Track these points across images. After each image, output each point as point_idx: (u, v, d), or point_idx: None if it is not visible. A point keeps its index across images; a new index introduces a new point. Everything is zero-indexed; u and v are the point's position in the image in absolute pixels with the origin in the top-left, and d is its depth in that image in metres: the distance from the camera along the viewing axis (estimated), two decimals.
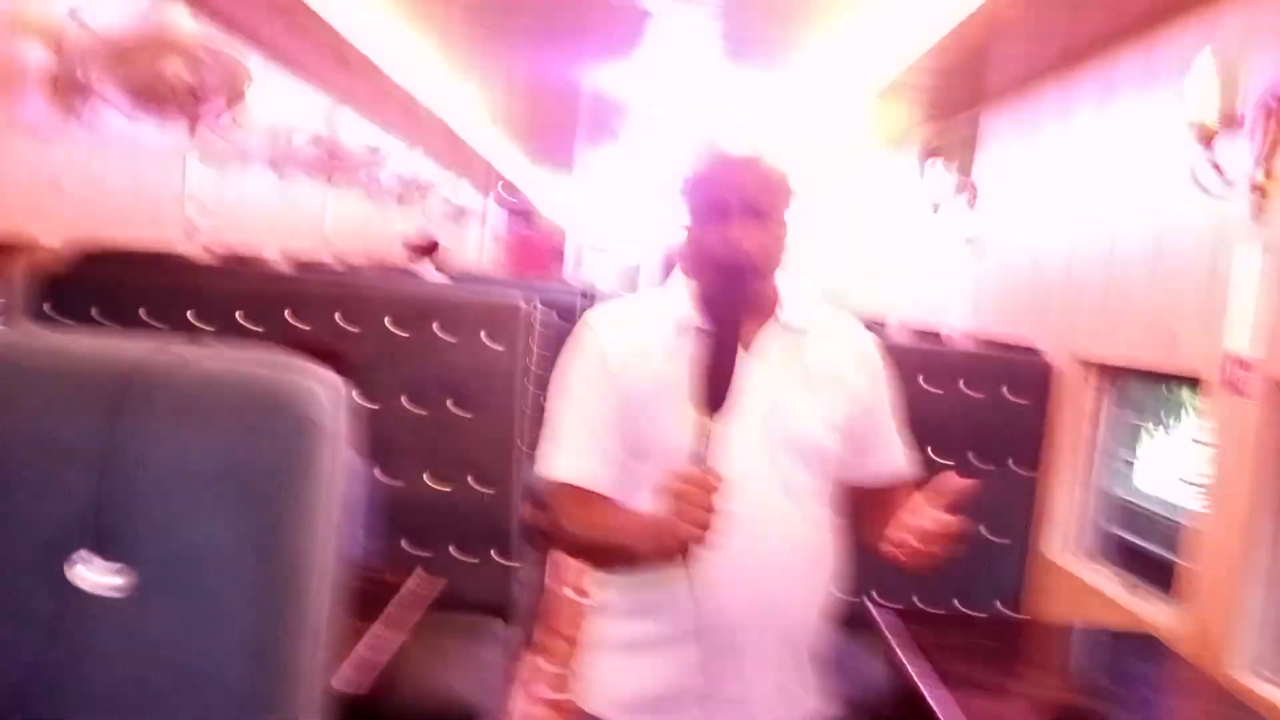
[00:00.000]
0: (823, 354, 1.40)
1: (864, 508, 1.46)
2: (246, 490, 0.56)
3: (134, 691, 0.55)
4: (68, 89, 2.66)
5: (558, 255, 13.36)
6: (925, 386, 2.88)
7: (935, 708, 1.65)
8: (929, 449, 2.88)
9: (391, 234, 6.59)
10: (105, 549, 0.56)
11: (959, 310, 3.85)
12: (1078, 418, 2.86)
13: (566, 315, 4.63)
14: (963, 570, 2.85)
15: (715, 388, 1.22)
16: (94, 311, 2.58)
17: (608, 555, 1.35)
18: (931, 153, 4.29)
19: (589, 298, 5.18)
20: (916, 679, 1.78)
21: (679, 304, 1.40)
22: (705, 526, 1.16)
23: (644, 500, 1.28)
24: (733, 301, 1.28)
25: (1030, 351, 3.08)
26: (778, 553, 1.35)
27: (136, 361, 0.59)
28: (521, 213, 13.15)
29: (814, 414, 1.37)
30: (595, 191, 11.33)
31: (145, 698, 0.56)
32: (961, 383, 2.90)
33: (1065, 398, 2.87)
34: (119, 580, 0.56)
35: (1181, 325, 2.32)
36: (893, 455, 1.48)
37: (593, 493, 1.34)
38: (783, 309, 1.40)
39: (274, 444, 0.57)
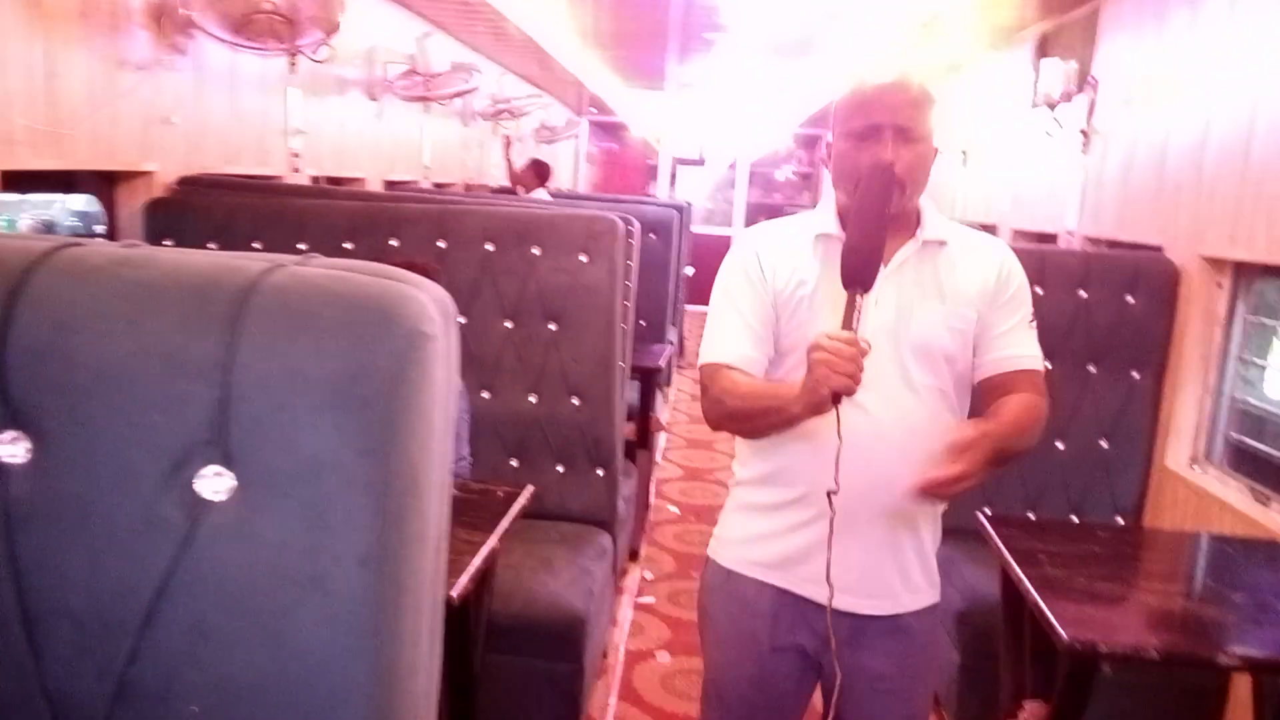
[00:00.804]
0: (958, 266, 1.52)
1: (987, 401, 1.55)
2: (361, 401, 0.57)
3: (259, 596, 0.58)
4: (171, 24, 2.72)
5: (650, 172, 13.23)
6: (1040, 292, 2.77)
7: (1048, 615, 1.62)
8: (1045, 358, 2.78)
9: (484, 157, 6.62)
10: (229, 459, 0.57)
11: (1076, 212, 3.67)
12: (1205, 321, 2.71)
13: (663, 232, 4.62)
14: (1080, 482, 2.80)
15: (860, 266, 1.37)
16: (203, 239, 2.68)
17: (765, 417, 1.47)
18: (1047, 48, 4.04)
19: (682, 214, 5.13)
20: (1021, 585, 1.75)
21: (823, 219, 1.55)
22: (852, 377, 1.30)
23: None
24: (883, 205, 1.41)
25: (1154, 252, 2.92)
26: (899, 440, 1.47)
27: (253, 277, 0.59)
28: (613, 130, 13.02)
29: (941, 321, 1.49)
30: (687, 107, 11.11)
31: (270, 602, 0.58)
32: (1079, 288, 2.77)
33: (1192, 301, 2.72)
34: (244, 490, 0.57)
35: None
36: (1014, 350, 1.54)
37: (747, 373, 1.50)
38: (924, 228, 1.52)
39: (387, 355, 0.57)
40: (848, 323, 1.34)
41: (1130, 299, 2.77)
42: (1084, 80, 3.63)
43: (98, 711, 0.60)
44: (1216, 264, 2.68)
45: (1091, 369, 2.79)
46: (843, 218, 1.51)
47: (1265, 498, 2.42)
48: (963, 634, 2.49)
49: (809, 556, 1.51)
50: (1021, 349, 1.54)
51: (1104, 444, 2.79)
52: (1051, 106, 3.74)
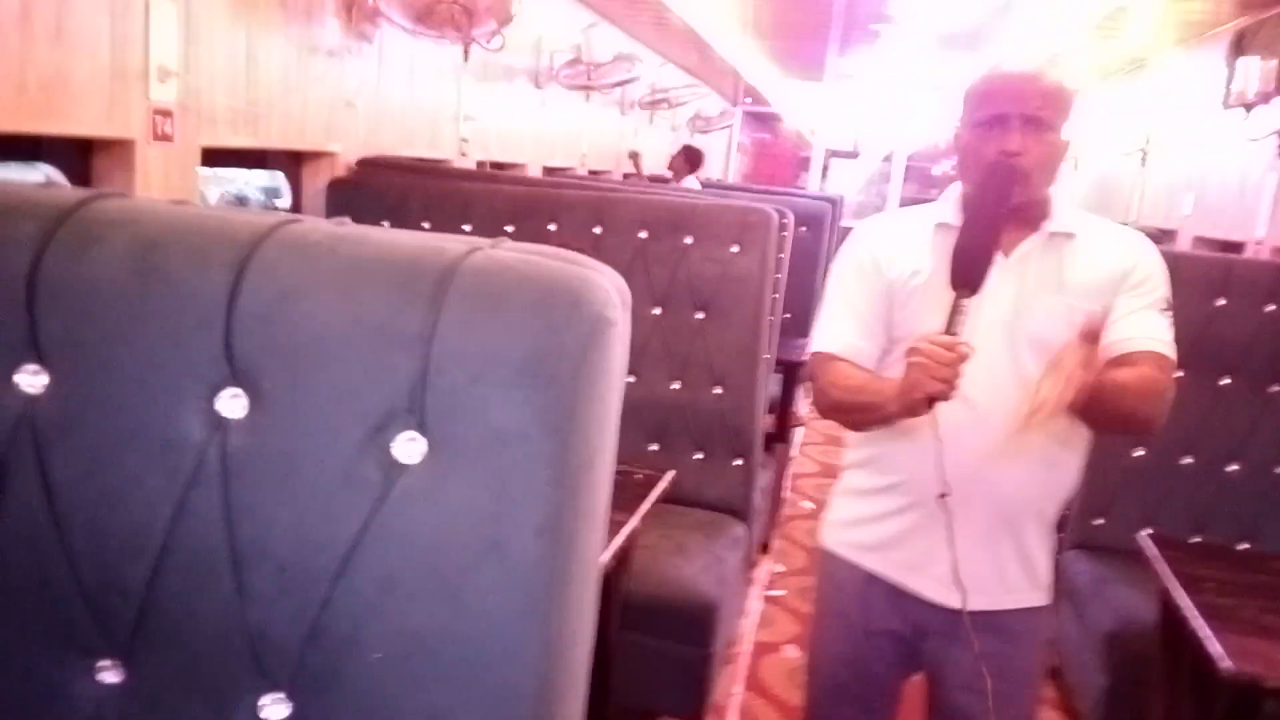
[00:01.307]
0: (1086, 257, 1.47)
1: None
2: (548, 380, 0.60)
3: (443, 556, 0.62)
4: (360, 12, 2.88)
5: (803, 164, 13.06)
6: (1220, 305, 2.60)
7: (1201, 642, 1.54)
8: (1222, 374, 2.62)
9: (642, 146, 6.70)
10: (424, 426, 0.62)
11: (1263, 219, 3.41)
12: None
13: (814, 225, 4.57)
14: (1253, 508, 2.62)
15: (969, 268, 1.34)
16: (378, 217, 2.84)
17: (864, 412, 1.48)
18: (1244, 45, 3.77)
19: (835, 205, 5.05)
20: (1182, 610, 1.66)
21: (944, 208, 1.53)
22: (948, 383, 1.28)
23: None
24: (999, 205, 1.37)
25: None
26: (1007, 438, 1.42)
27: (455, 258, 0.64)
28: (766, 121, 12.92)
29: (1063, 314, 1.43)
30: (844, 97, 10.91)
31: (452, 562, 0.62)
32: (1266, 302, 2.58)
33: None
34: (435, 456, 0.62)
35: None
36: (1134, 331, 1.44)
37: (854, 364, 1.50)
38: (1051, 220, 1.48)
39: (573, 337, 0.60)
40: (951, 325, 1.33)
41: None
42: None
43: (291, 651, 0.65)
44: None
45: (1273, 389, 2.60)
46: (965, 208, 1.48)
47: None
48: (1111, 656, 2.38)
49: (903, 543, 1.52)
50: (1142, 330, 1.45)
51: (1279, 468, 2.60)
52: (1247, 107, 3.49)
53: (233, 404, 0.66)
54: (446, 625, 0.63)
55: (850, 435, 1.62)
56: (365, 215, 2.84)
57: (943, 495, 1.41)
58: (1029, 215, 1.46)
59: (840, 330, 1.52)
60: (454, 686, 0.64)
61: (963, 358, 1.29)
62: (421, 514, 0.63)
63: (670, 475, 2.13)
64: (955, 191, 1.54)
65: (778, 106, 11.65)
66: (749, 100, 11.20)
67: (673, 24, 5.49)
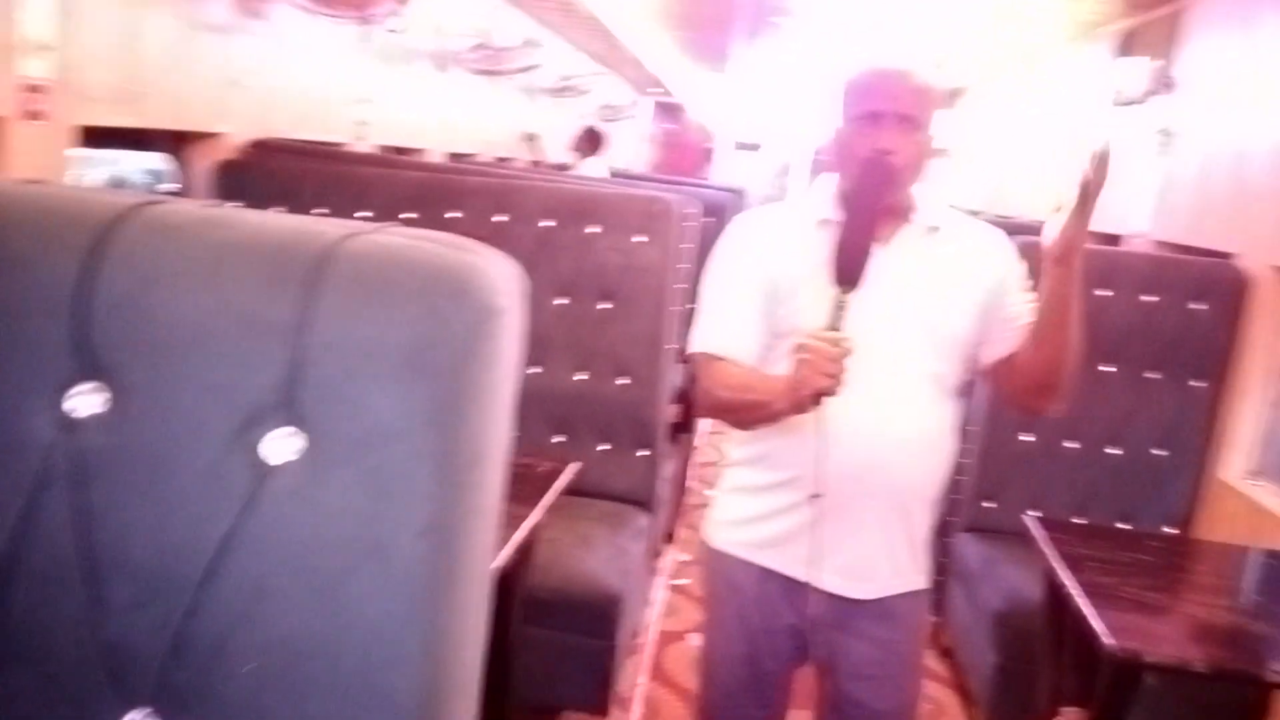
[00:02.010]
0: (953, 250, 1.51)
1: (1009, 368, 1.54)
2: (432, 372, 0.57)
3: (319, 559, 0.59)
4: None
5: (708, 155, 13.15)
6: (1104, 294, 2.71)
7: (1084, 619, 1.60)
8: (1103, 361, 2.74)
9: (549, 133, 6.63)
10: (298, 423, 0.58)
11: (1146, 215, 3.57)
12: (1275, 332, 2.63)
13: (717, 214, 4.59)
14: (1131, 490, 2.75)
15: (849, 265, 1.36)
16: (269, 201, 2.73)
17: (751, 411, 1.47)
18: (1128, 46, 3.93)
19: (739, 196, 5.09)
20: (1066, 589, 1.73)
21: (820, 203, 1.53)
22: (834, 378, 1.31)
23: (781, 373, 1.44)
24: (876, 202, 1.41)
25: (1221, 258, 2.84)
26: (894, 425, 1.47)
27: (332, 241, 0.60)
28: (674, 112, 12.96)
29: (941, 303, 1.49)
30: (748, 89, 11.01)
31: (329, 566, 0.59)
32: (1145, 292, 2.71)
33: (1262, 310, 2.64)
34: (309, 454, 0.59)
35: None
36: (1017, 319, 1.52)
37: (736, 362, 1.49)
38: (918, 212, 1.52)
39: (458, 325, 0.57)
40: (834, 320, 1.34)
41: (1197, 306, 2.69)
42: (1165, 80, 3.52)
43: (152, 666, 0.61)
44: None
45: (1150, 375, 2.73)
46: (843, 205, 1.49)
47: None
48: (1001, 635, 2.46)
49: (797, 538, 1.52)
50: (1023, 317, 1.53)
51: (1158, 452, 2.73)
52: (1130, 106, 3.63)
53: (88, 400, 0.61)
54: (323, 633, 0.60)
55: (736, 433, 1.61)
56: (256, 199, 2.74)
57: (815, 495, 1.45)
58: (898, 209, 1.50)
59: (722, 329, 1.51)
60: (333, 697, 0.60)
61: (846, 353, 1.31)
62: (295, 515, 0.59)
63: (574, 467, 2.11)
64: (828, 185, 1.54)
65: (682, 97, 11.70)
66: (657, 90, 11.21)
67: (579, 11, 5.45)
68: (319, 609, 0.60)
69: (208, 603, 0.61)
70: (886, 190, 1.41)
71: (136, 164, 3.44)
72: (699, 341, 1.52)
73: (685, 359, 1.57)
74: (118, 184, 3.14)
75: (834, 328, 1.33)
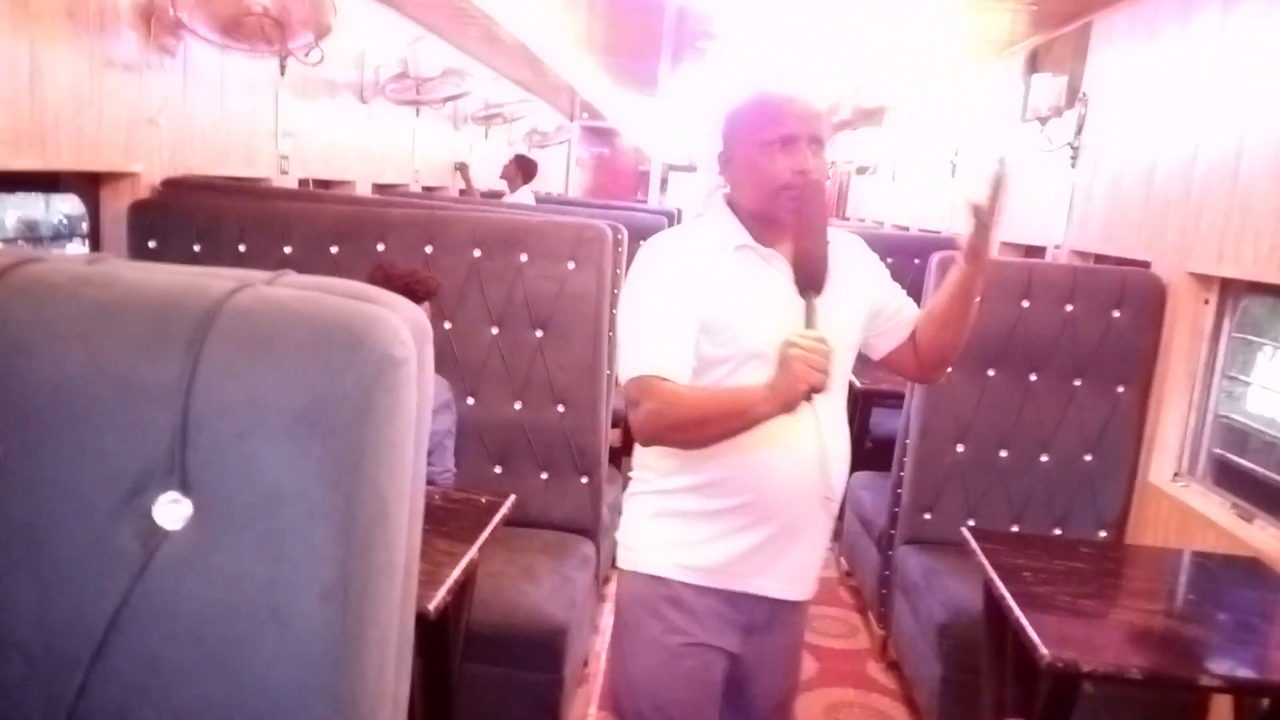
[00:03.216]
0: (840, 265, 1.56)
1: (906, 353, 1.68)
2: (327, 428, 0.55)
3: (215, 629, 0.56)
4: (160, 25, 2.70)
5: (641, 179, 13.22)
6: (1025, 306, 2.77)
7: (1022, 630, 1.62)
8: (1031, 371, 2.79)
9: (478, 161, 6.60)
10: (188, 488, 0.56)
11: (1062, 227, 3.67)
12: (1192, 337, 2.71)
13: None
14: (1064, 496, 2.80)
15: (814, 272, 1.45)
16: (188, 241, 2.66)
17: (723, 422, 1.45)
18: (1038, 62, 4.05)
19: (672, 221, 5.12)
20: (1004, 601, 1.75)
21: (732, 230, 1.55)
22: (827, 373, 1.36)
23: None
24: (824, 219, 1.49)
25: (1141, 268, 2.92)
26: (830, 434, 1.56)
27: (218, 297, 0.58)
28: (605, 136, 13.02)
29: (845, 315, 1.57)
30: (679, 114, 11.11)
31: (226, 636, 0.56)
32: (1066, 302, 2.77)
33: (1179, 316, 2.72)
34: (202, 519, 0.56)
35: None
36: (909, 309, 1.68)
37: (677, 385, 1.48)
38: None
39: (355, 381, 0.55)
40: (809, 323, 1.41)
41: (1117, 314, 2.77)
42: (1074, 96, 3.63)
43: None
44: (1204, 280, 2.68)
45: (1077, 383, 2.79)
46: (756, 226, 1.54)
47: (1248, 515, 2.42)
48: (945, 646, 2.49)
49: (750, 557, 1.56)
50: (910, 306, 1.68)
51: (1088, 458, 2.79)
52: (1041, 121, 3.74)
53: None
54: (223, 706, 0.57)
55: (666, 463, 1.58)
56: (173, 239, 2.69)
57: (775, 514, 1.54)
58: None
59: (664, 350, 1.49)
60: None
61: (831, 350, 1.38)
62: (188, 584, 0.57)
63: (511, 499, 2.08)
64: (727, 213, 1.57)
65: (615, 122, 11.75)
66: (585, 115, 11.25)
67: (503, 39, 5.44)
68: (218, 680, 0.57)
69: (101, 678, 0.58)
70: (823, 203, 1.51)
71: (46, 207, 3.34)
72: (639, 365, 1.48)
73: (620, 387, 1.54)
74: (27, 228, 3.03)
75: (811, 328, 1.41)
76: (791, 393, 1.37)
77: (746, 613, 1.60)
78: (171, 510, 0.56)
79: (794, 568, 1.60)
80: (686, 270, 1.52)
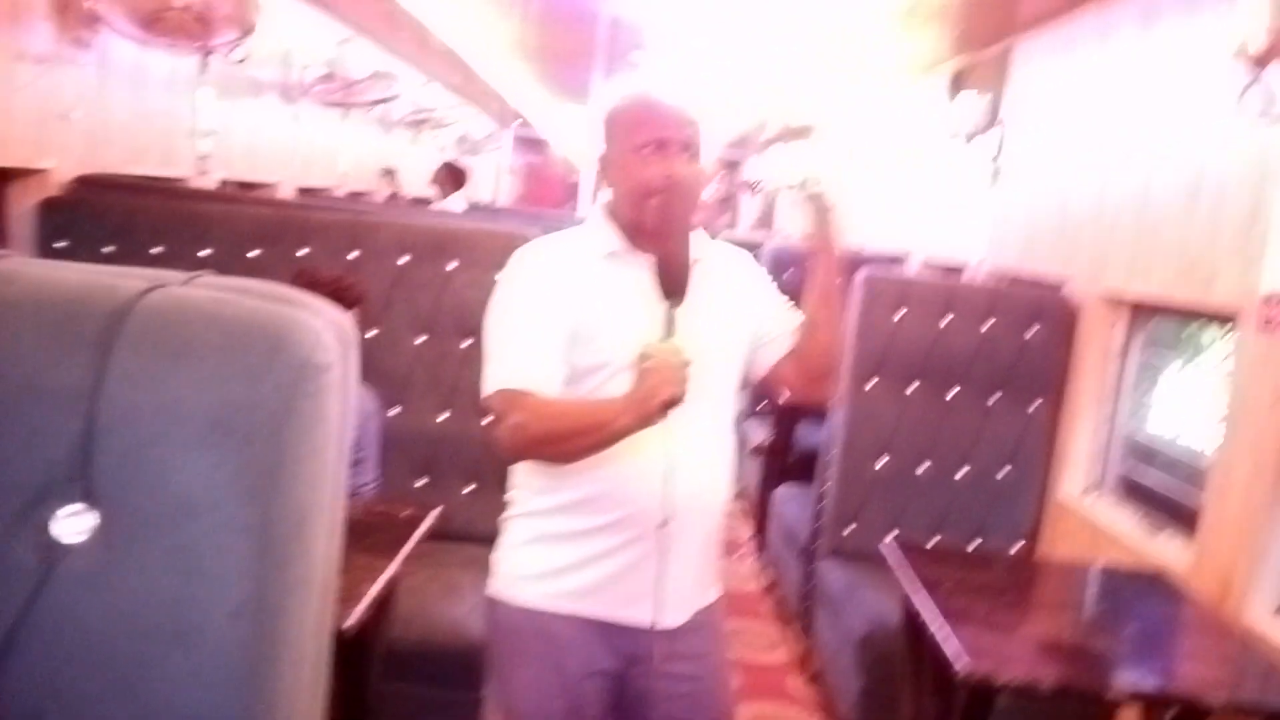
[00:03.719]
0: (718, 276, 1.56)
1: (791, 369, 1.63)
2: (244, 437, 0.53)
3: (121, 650, 0.53)
4: (76, 17, 2.60)
5: (572, 188, 13.21)
6: (946, 323, 2.84)
7: (939, 643, 1.65)
8: (949, 387, 2.86)
9: (407, 166, 6.51)
10: (92, 499, 0.53)
11: (982, 246, 3.77)
12: (1102, 356, 2.80)
13: None
14: (981, 509, 2.87)
15: (674, 278, 1.45)
16: (100, 242, 2.56)
17: (585, 435, 1.41)
18: (962, 82, 4.16)
19: None
20: (922, 614, 1.78)
21: (605, 236, 1.52)
22: (680, 385, 1.34)
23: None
24: (686, 225, 1.50)
25: (1055, 288, 3.02)
26: (702, 451, 1.50)
27: (128, 297, 0.55)
28: (537, 145, 12.98)
29: (724, 328, 1.54)
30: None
31: (130, 657, 0.53)
32: (983, 321, 2.85)
33: (1090, 336, 2.82)
34: (106, 532, 0.53)
35: (1219, 262, 2.26)
36: (790, 321, 1.62)
37: (544, 396, 1.43)
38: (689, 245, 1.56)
39: (274, 387, 0.53)
40: (667, 333, 1.40)
41: (1031, 333, 2.85)
42: (995, 116, 3.74)
43: None
44: (1114, 301, 2.78)
45: (993, 399, 2.87)
46: (628, 232, 1.50)
47: (1154, 529, 2.50)
48: (865, 659, 2.52)
49: (623, 579, 1.48)
50: (792, 318, 1.61)
51: (1004, 471, 2.87)
52: (964, 140, 3.84)
53: None
54: None
55: (534, 481, 1.54)
56: (85, 239, 2.58)
57: (662, 525, 1.45)
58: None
59: (528, 363, 1.44)
60: None
61: (688, 361, 1.36)
62: (91, 601, 0.54)
63: (436, 512, 2.04)
64: (601, 216, 1.54)
65: (545, 132, 11.72)
66: (520, 123, 11.19)
67: (434, 43, 5.38)
68: (121, 704, 0.54)
69: None
70: (690, 210, 1.49)
71: None
72: (502, 378, 1.44)
73: (484, 401, 1.48)
74: None
75: (667, 338, 1.39)
76: (647, 405, 1.34)
77: (627, 643, 1.51)
78: (73, 522, 0.53)
79: (675, 591, 1.49)
80: (554, 278, 1.49)
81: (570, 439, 1.43)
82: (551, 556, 1.52)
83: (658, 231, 1.47)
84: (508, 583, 1.56)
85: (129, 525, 0.53)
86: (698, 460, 1.49)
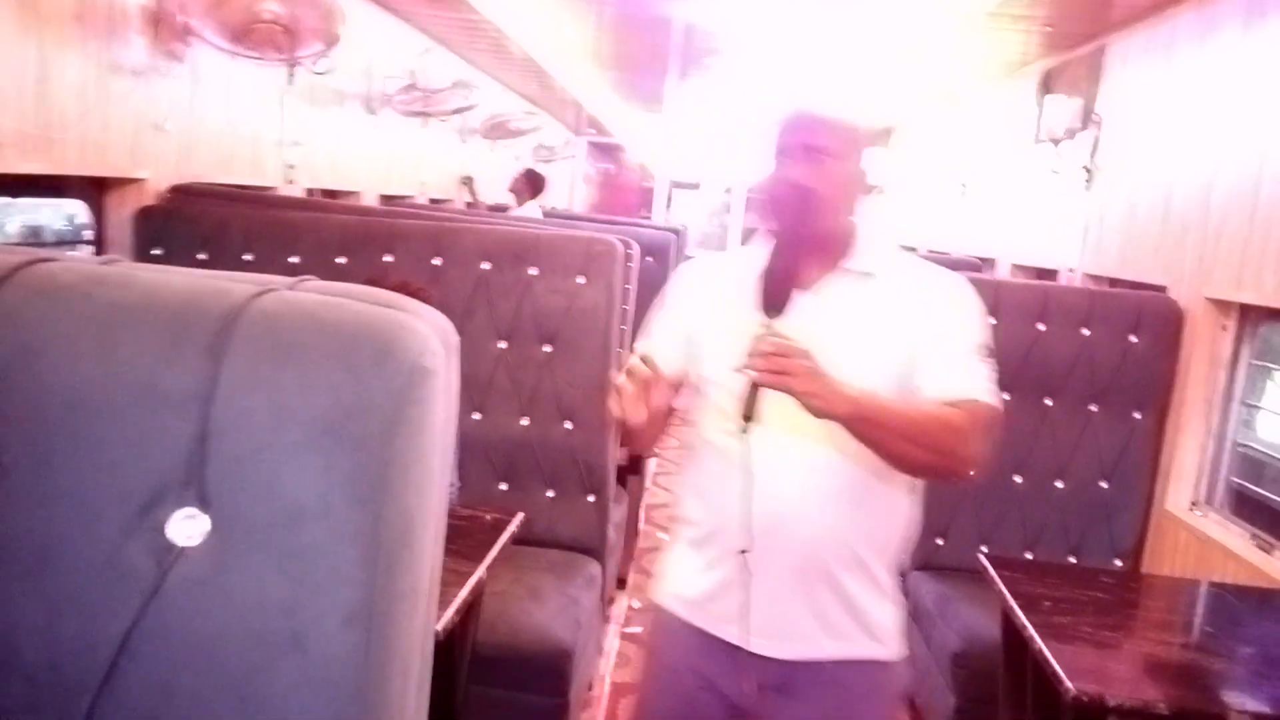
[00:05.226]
0: (889, 298, 1.42)
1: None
2: (354, 442, 0.51)
3: (231, 655, 0.52)
4: (169, 31, 2.68)
5: (647, 195, 13.23)
6: (1041, 330, 2.74)
7: (1053, 664, 1.58)
8: (1044, 396, 2.76)
9: (484, 174, 6.59)
10: (206, 502, 0.52)
11: (1078, 250, 3.64)
12: (1209, 364, 2.67)
13: (660, 256, 4.58)
14: (1079, 523, 2.75)
15: (773, 290, 1.33)
16: (193, 249, 2.63)
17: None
18: (1051, 82, 4.04)
19: (679, 236, 5.09)
20: (1025, 630, 1.70)
21: (757, 253, 1.46)
22: (805, 377, 1.25)
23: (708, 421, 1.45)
24: (793, 229, 1.39)
25: (1157, 292, 2.89)
26: (807, 483, 1.39)
27: (239, 302, 0.54)
28: (610, 152, 13.04)
29: (861, 360, 1.36)
30: (684, 129, 11.13)
31: (243, 662, 0.52)
32: (1082, 326, 2.74)
33: (1196, 342, 2.69)
34: (219, 537, 0.52)
35: None
36: (950, 381, 1.37)
37: (654, 375, 1.31)
38: (850, 259, 1.44)
39: (385, 392, 0.52)
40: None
41: (1133, 338, 2.73)
42: (1088, 117, 3.62)
43: None
44: (1222, 306, 2.65)
45: (1092, 408, 2.76)
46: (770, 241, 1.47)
47: (1268, 545, 2.37)
48: (959, 675, 2.44)
49: (719, 595, 1.45)
50: (958, 380, 1.36)
51: (1103, 485, 2.75)
52: (1055, 142, 3.72)
53: None
54: None
55: (677, 485, 1.59)
56: (179, 246, 2.65)
57: (743, 550, 1.38)
58: (829, 252, 1.43)
59: (646, 341, 1.52)
60: None
61: (804, 351, 1.26)
62: (204, 606, 0.53)
63: (520, 518, 2.04)
64: (766, 237, 1.51)
65: (620, 137, 11.77)
66: (592, 131, 11.26)
67: (512, 52, 5.44)
68: (232, 710, 0.53)
69: (110, 705, 0.54)
70: (801, 217, 1.38)
71: (52, 212, 3.31)
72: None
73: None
74: (32, 233, 3.00)
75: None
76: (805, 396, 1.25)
77: (740, 670, 1.44)
78: (188, 526, 0.52)
79: (772, 619, 1.41)
80: (695, 290, 1.54)
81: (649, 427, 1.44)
82: (680, 562, 1.56)
83: (774, 241, 1.42)
84: (656, 581, 1.61)
85: (241, 530, 0.52)
86: (785, 486, 1.38)
